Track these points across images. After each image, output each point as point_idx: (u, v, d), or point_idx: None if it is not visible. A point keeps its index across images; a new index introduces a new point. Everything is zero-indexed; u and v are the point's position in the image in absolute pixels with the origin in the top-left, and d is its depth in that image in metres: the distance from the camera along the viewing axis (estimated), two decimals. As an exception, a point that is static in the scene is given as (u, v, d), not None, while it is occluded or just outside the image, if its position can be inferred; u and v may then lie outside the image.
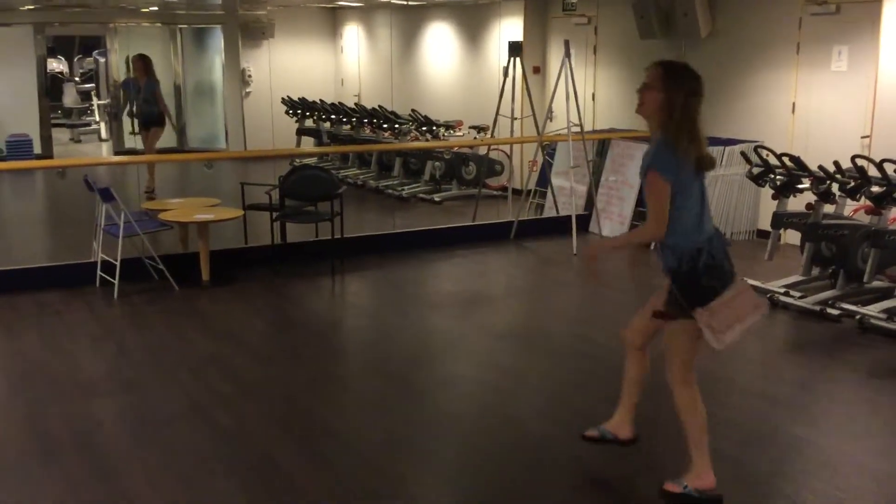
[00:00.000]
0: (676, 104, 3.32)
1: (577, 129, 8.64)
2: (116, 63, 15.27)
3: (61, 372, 5.23)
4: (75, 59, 20.02)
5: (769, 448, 4.17)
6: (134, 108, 11.22)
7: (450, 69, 13.01)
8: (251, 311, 6.56)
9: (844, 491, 3.76)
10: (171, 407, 4.69)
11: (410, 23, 13.76)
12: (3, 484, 3.87)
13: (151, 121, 10.81)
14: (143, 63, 10.82)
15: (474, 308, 6.67)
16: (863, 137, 7.53)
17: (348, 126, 12.98)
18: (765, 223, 7.85)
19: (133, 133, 11.85)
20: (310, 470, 3.99)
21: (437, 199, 10.93)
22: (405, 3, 13.14)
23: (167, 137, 12.31)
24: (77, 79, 19.80)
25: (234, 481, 3.87)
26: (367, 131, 12.61)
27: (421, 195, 11.14)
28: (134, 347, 5.71)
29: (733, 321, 3.37)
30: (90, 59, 19.31)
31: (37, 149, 14.05)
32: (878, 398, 4.86)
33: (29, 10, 14.01)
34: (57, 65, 19.09)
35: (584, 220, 9.06)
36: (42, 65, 14.90)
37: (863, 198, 6.24)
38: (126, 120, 13.88)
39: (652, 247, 3.60)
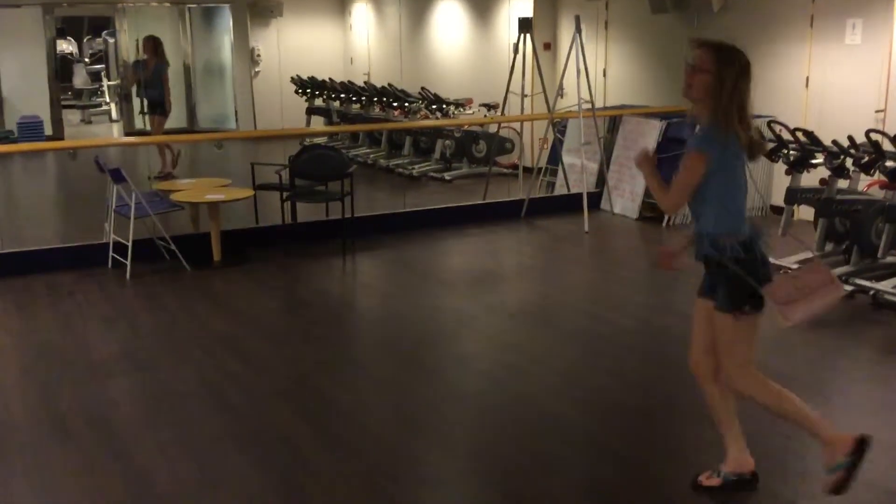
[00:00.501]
0: (727, 88, 3.19)
1: (588, 105, 8.58)
2: (126, 43, 15.25)
3: (75, 352, 5.25)
4: (85, 40, 20.02)
5: (782, 424, 4.14)
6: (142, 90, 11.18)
7: (459, 46, 12.93)
8: (262, 291, 6.57)
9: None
10: (184, 386, 4.71)
11: (420, 0, 13.67)
12: (18, 463, 3.90)
13: (154, 105, 10.75)
14: (152, 44, 10.77)
15: (486, 287, 6.67)
16: (877, 112, 7.45)
17: (358, 105, 12.94)
18: (778, 199, 7.78)
19: (143, 113, 11.81)
20: (321, 448, 4.00)
21: (447, 177, 10.90)
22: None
23: (177, 118, 12.33)
24: (87, 60, 19.80)
25: (246, 459, 3.89)
26: (377, 110, 12.57)
27: (431, 174, 11.11)
28: (146, 327, 5.74)
29: (799, 296, 3.22)
30: (100, 40, 19.29)
31: (48, 130, 14.07)
32: (892, 374, 4.83)
33: (38, -10, 14.02)
34: (66, 46, 19.09)
35: (595, 198, 9.02)
36: (52, 46, 14.90)
37: (877, 172, 6.18)
38: (136, 101, 13.90)
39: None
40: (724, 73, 3.19)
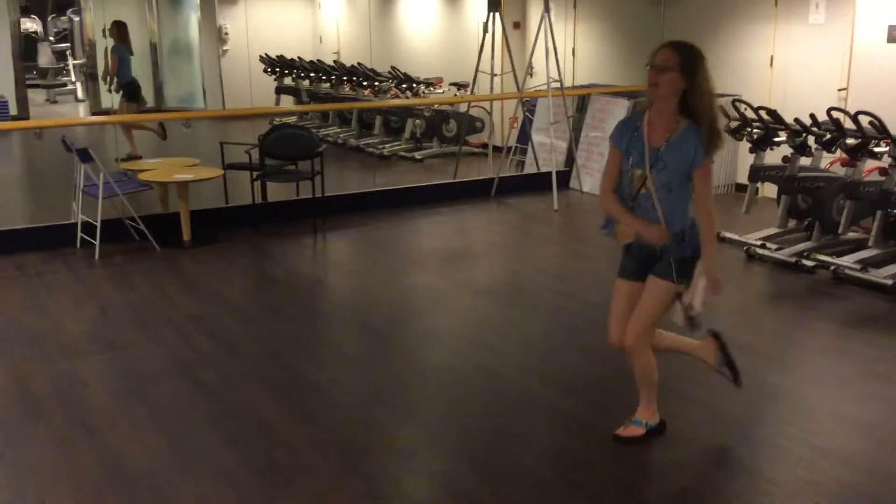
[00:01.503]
0: (701, 86, 3.34)
1: (557, 84, 8.63)
2: (91, 22, 15.03)
3: (44, 332, 5.24)
4: (49, 19, 19.68)
5: (745, 395, 4.26)
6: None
7: (429, 25, 12.91)
8: (233, 271, 6.58)
9: (817, 435, 3.87)
10: (155, 365, 4.73)
11: (389, -22, 13.61)
12: (-10, 442, 3.91)
13: (120, 89, 10.45)
14: (115, 29, 10.50)
15: (456, 264, 6.73)
16: (840, 90, 7.58)
17: (328, 84, 12.90)
18: (743, 176, 7.92)
19: (110, 91, 11.59)
20: (294, 423, 4.05)
21: (417, 156, 10.92)
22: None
23: (143, 97, 12.16)
24: (52, 38, 19.48)
25: (218, 435, 3.93)
26: (347, 89, 12.53)
27: (402, 153, 11.12)
28: (116, 307, 5.73)
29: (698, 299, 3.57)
30: (64, 18, 18.97)
31: (13, 110, 13.86)
32: (851, 346, 4.97)
33: (0, -33, 13.75)
34: (31, 24, 18.75)
35: (564, 176, 9.09)
36: (16, 25, 14.64)
37: (838, 150, 6.31)
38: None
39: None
40: (693, 73, 3.34)
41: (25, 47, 16.08)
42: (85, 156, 6.65)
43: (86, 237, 6.80)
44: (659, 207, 3.47)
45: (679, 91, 3.36)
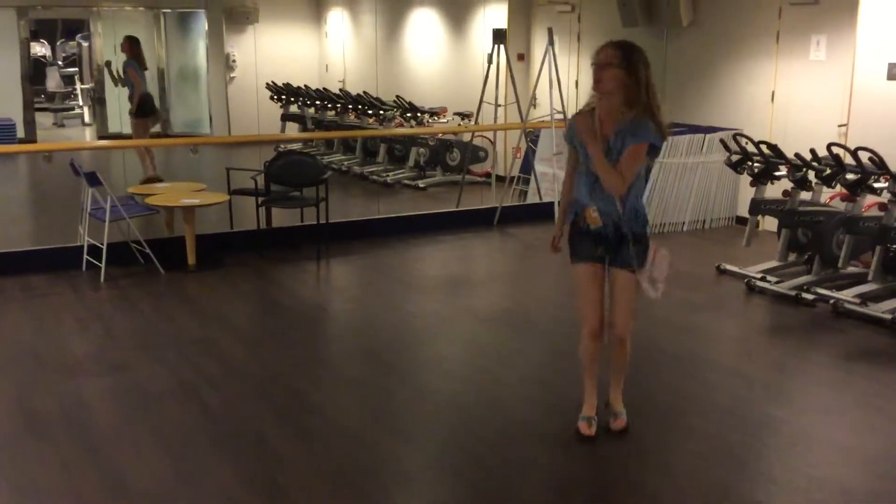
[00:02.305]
0: (642, 79, 3.59)
1: (561, 115, 8.73)
2: (100, 47, 15.21)
3: (49, 353, 5.28)
4: (58, 43, 19.90)
5: (744, 426, 4.29)
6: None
7: (434, 56, 13.05)
8: (237, 295, 6.63)
9: (816, 467, 3.89)
10: (158, 387, 4.76)
11: (395, 9, 13.78)
12: (-6, 461, 3.94)
13: (131, 108, 10.34)
14: (127, 44, 10.54)
15: (458, 292, 6.77)
16: (840, 126, 7.66)
17: (333, 112, 13.01)
18: (743, 210, 7.97)
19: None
20: (296, 446, 4.08)
21: (421, 185, 11.00)
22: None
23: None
24: (60, 63, 19.69)
25: (221, 456, 3.96)
26: (352, 117, 12.64)
27: (405, 181, 11.20)
28: (121, 329, 5.77)
29: (661, 275, 3.82)
30: (73, 43, 19.19)
31: (20, 133, 13.99)
32: (850, 379, 5.00)
33: (12, -7, 13.95)
34: (40, 49, 18.98)
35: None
36: (25, 49, 14.82)
37: (838, 185, 6.37)
38: (111, 103, 13.84)
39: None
40: (635, 66, 3.59)
41: (34, 71, 16.26)
42: (93, 179, 6.72)
43: (92, 260, 6.86)
44: (613, 196, 3.73)
45: (622, 85, 3.60)
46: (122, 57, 10.66)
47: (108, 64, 11.27)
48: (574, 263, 3.92)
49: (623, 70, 3.57)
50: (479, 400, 4.67)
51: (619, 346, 4.00)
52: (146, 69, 10.61)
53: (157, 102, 15.35)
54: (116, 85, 10.91)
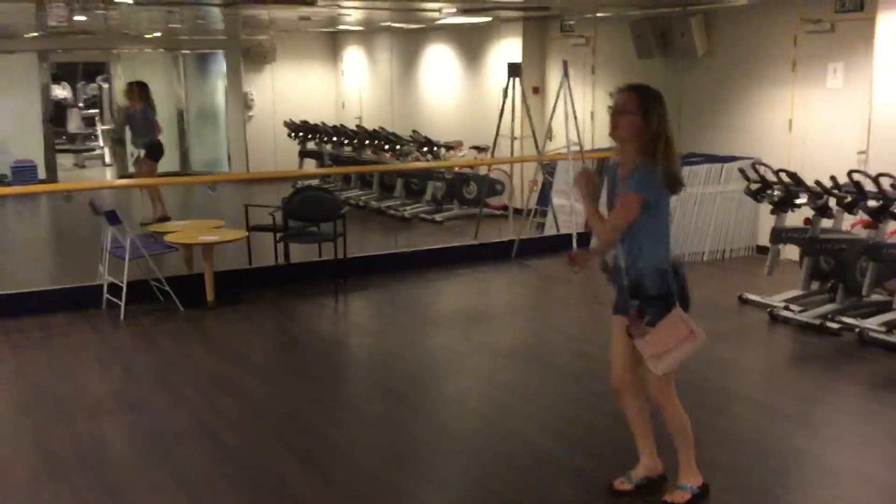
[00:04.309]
0: (654, 127, 3.41)
1: (577, 147, 8.72)
2: (120, 89, 15.41)
3: (68, 393, 5.28)
4: (79, 85, 20.20)
5: (770, 459, 4.20)
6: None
7: (450, 90, 13.12)
8: (256, 331, 6.61)
9: (844, 500, 3.80)
10: (177, 426, 4.74)
11: (410, 45, 13.91)
12: (11, 501, 3.91)
13: (145, 149, 10.39)
14: (138, 89, 10.63)
15: (477, 326, 6.73)
16: (859, 153, 7.60)
17: (350, 148, 13.09)
18: (764, 239, 7.90)
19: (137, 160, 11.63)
20: (314, 486, 4.03)
21: (438, 218, 11.00)
22: (405, 26, 13.28)
23: (170, 161, 12.36)
24: (81, 104, 19.97)
25: (239, 497, 3.92)
26: (369, 153, 12.71)
27: (422, 215, 11.21)
28: (140, 368, 5.77)
29: (664, 349, 3.48)
30: (94, 85, 19.48)
31: (41, 174, 14.17)
32: (879, 409, 4.90)
33: (33, 37, 14.16)
34: (61, 91, 19.26)
35: (584, 238, 9.11)
36: (46, 91, 15.06)
37: (860, 212, 6.30)
38: (131, 144, 13.95)
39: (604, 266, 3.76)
40: (650, 114, 3.41)
41: (55, 113, 16.49)
42: (113, 218, 6.76)
43: (112, 298, 6.88)
44: (620, 247, 3.54)
45: (637, 133, 3.43)
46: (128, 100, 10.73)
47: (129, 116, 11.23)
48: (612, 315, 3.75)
49: (638, 117, 3.42)
50: (500, 436, 4.60)
51: (662, 413, 3.64)
52: (155, 113, 10.64)
53: (176, 142, 15.58)
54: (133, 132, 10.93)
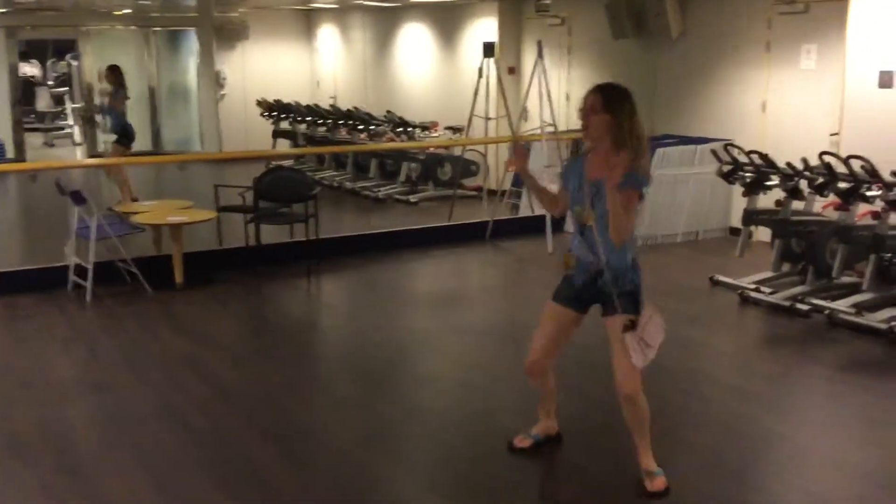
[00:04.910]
0: (625, 124, 3.48)
1: (552, 128, 8.68)
2: (90, 67, 15.17)
3: (32, 374, 5.19)
4: (48, 63, 19.87)
5: (740, 440, 4.22)
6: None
7: (425, 70, 13.03)
8: (226, 313, 6.54)
9: (813, 482, 3.82)
10: (143, 408, 4.67)
11: (385, 24, 13.78)
12: (-27, 487, 3.85)
13: (114, 133, 10.05)
14: (111, 74, 10.31)
15: (451, 307, 6.69)
16: (832, 135, 7.62)
17: (324, 128, 12.97)
18: (737, 220, 7.90)
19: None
20: (285, 469, 3.99)
21: (412, 199, 10.94)
22: (379, 4, 13.14)
23: (141, 141, 12.16)
24: (50, 82, 19.65)
25: (207, 480, 3.86)
26: (343, 133, 12.61)
27: (397, 196, 11.15)
28: (106, 350, 5.68)
29: (651, 343, 3.56)
30: (63, 63, 19.16)
31: (10, 153, 13.92)
32: (847, 391, 4.93)
33: (1, 13, 13.89)
34: (30, 69, 18.93)
35: (558, 220, 9.09)
36: (14, 69, 14.79)
37: (831, 194, 6.32)
38: (101, 124, 13.72)
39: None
40: (620, 112, 3.49)
41: (24, 92, 16.21)
42: (78, 198, 6.64)
43: (78, 279, 6.77)
44: (598, 242, 3.55)
45: (609, 129, 3.50)
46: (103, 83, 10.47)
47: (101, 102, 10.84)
48: (550, 300, 3.84)
49: (608, 115, 3.50)
50: (472, 418, 4.58)
51: (629, 406, 3.67)
52: (128, 98, 10.18)
53: (147, 121, 15.35)
54: (102, 116, 10.55)
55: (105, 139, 10.75)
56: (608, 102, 3.50)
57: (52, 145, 17.23)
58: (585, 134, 3.59)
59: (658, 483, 3.69)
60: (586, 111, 3.53)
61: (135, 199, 9.44)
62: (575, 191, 3.64)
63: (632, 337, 3.52)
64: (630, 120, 3.49)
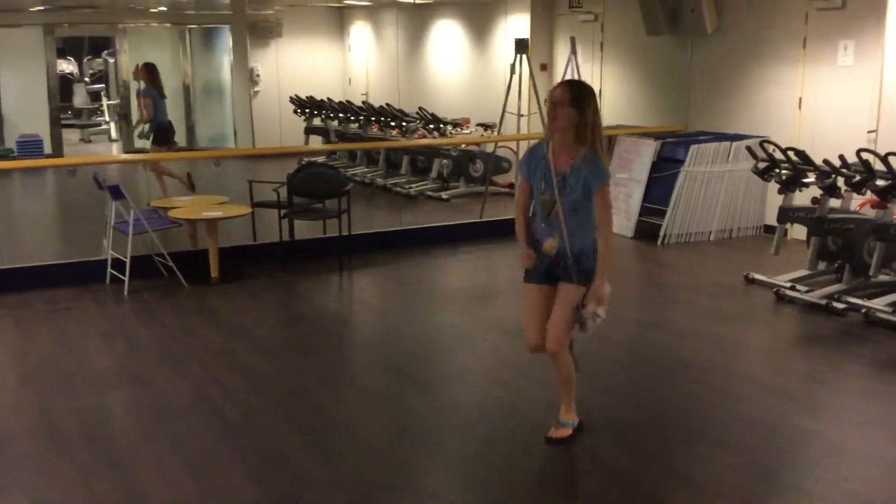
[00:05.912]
0: (589, 119, 3.77)
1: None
2: (126, 63, 15.36)
3: (72, 366, 5.28)
4: (85, 60, 20.14)
5: (776, 438, 4.19)
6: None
7: (457, 67, 13.04)
8: (260, 307, 6.60)
9: (849, 480, 3.78)
10: (180, 400, 4.74)
11: (417, 21, 13.80)
12: (16, 475, 3.93)
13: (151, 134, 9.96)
14: (145, 71, 10.05)
15: (481, 303, 6.71)
16: (869, 132, 7.53)
17: (356, 124, 13.03)
18: (772, 218, 7.84)
19: (141, 137, 11.23)
20: (318, 461, 4.03)
21: (444, 196, 10.96)
22: (412, 1, 13.17)
23: (176, 137, 12.27)
24: (87, 79, 19.92)
25: (242, 472, 3.92)
26: (375, 129, 12.65)
27: (428, 192, 11.17)
28: (144, 343, 5.77)
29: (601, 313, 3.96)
30: (100, 60, 19.42)
31: (47, 149, 14.15)
32: (883, 389, 4.87)
33: (39, 11, 14.10)
34: (67, 66, 19.20)
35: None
36: (52, 66, 15.01)
37: (868, 192, 6.25)
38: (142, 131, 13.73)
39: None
40: (585, 107, 3.77)
41: (61, 88, 16.44)
42: (116, 193, 6.74)
43: (115, 273, 6.87)
44: (564, 228, 3.86)
45: (573, 123, 3.79)
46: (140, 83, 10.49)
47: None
48: (525, 283, 4.10)
49: (574, 109, 3.75)
50: (503, 413, 4.59)
51: (555, 360, 4.04)
52: (164, 97, 10.06)
53: (182, 118, 15.47)
54: (142, 120, 10.46)
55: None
56: (575, 98, 3.77)
57: (88, 141, 17.47)
58: (551, 123, 3.83)
59: (561, 432, 4.07)
60: (554, 103, 3.78)
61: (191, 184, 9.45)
62: (540, 181, 3.89)
63: (589, 309, 3.88)
64: (593, 117, 3.77)
